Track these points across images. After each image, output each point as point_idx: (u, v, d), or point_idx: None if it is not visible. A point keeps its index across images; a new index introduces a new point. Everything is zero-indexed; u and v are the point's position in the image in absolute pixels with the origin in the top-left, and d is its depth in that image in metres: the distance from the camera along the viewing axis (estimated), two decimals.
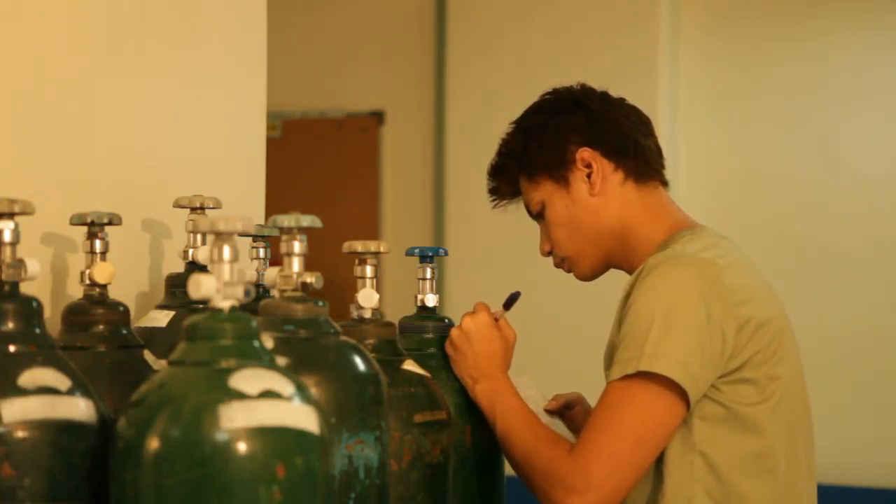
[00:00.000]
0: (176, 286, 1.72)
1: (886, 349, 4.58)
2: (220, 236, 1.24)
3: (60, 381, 1.29)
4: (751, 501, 1.75)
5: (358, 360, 1.48)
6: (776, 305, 1.83)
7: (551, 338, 4.38)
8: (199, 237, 1.75)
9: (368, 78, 5.22)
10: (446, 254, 1.94)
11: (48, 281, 1.64)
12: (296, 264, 1.46)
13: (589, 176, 1.88)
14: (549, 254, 1.95)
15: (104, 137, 1.78)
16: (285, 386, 1.23)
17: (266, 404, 1.20)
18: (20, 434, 1.24)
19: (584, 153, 1.88)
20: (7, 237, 1.33)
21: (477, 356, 1.82)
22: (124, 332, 1.56)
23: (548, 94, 1.96)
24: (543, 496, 1.74)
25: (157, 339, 1.64)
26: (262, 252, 1.89)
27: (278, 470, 1.18)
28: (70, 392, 1.29)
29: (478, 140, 5.26)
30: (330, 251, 1.90)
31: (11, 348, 1.29)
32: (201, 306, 1.40)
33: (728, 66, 4.82)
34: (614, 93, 1.96)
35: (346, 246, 1.67)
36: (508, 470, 1.86)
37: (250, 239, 1.89)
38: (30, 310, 1.33)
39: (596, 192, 1.88)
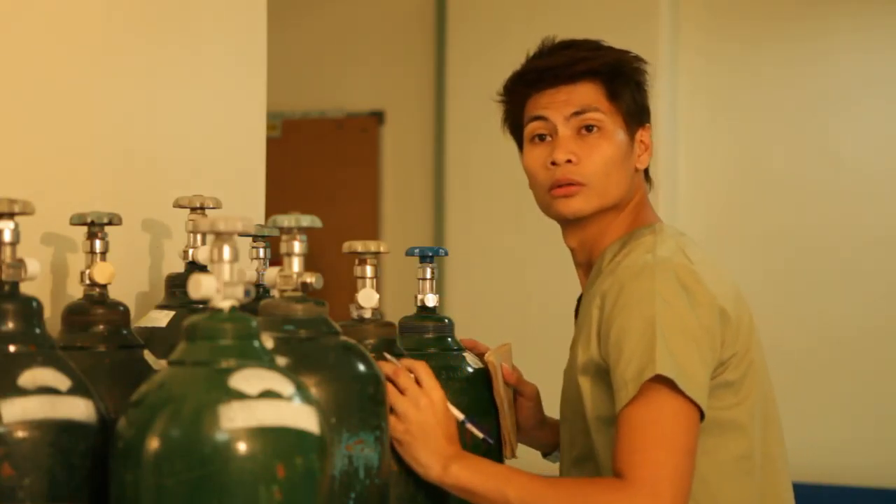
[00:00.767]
0: (176, 286, 1.72)
1: (886, 349, 4.59)
2: (220, 236, 1.25)
3: (60, 381, 1.29)
4: None
5: (358, 360, 1.48)
6: (740, 297, 1.82)
7: (552, 338, 4.37)
8: (199, 237, 1.75)
9: (368, 78, 5.23)
10: (446, 254, 1.93)
11: (48, 281, 1.64)
12: (296, 264, 1.46)
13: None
14: (568, 162, 1.83)
15: (104, 137, 1.78)
16: (285, 386, 1.23)
17: (266, 404, 1.20)
18: (20, 434, 1.24)
19: (649, 132, 1.91)
20: (7, 237, 1.33)
21: (438, 438, 1.67)
22: (124, 332, 1.56)
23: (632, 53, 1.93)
24: None
25: (157, 339, 1.63)
26: (262, 252, 1.89)
27: (278, 470, 1.18)
28: (70, 392, 1.29)
29: (478, 140, 5.27)
30: (330, 251, 1.90)
31: (11, 348, 1.29)
32: (201, 306, 1.40)
33: (728, 65, 4.83)
34: None
35: (346, 246, 1.67)
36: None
37: (250, 239, 1.88)
38: (30, 310, 1.33)
39: (640, 166, 1.90)
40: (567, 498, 1.64)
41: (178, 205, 1.76)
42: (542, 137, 1.87)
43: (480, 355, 1.90)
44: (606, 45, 1.91)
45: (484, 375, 1.87)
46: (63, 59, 1.71)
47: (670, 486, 1.61)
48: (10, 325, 1.30)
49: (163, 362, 1.41)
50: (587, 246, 1.89)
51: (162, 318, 1.69)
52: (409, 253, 1.89)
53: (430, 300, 1.88)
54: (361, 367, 1.47)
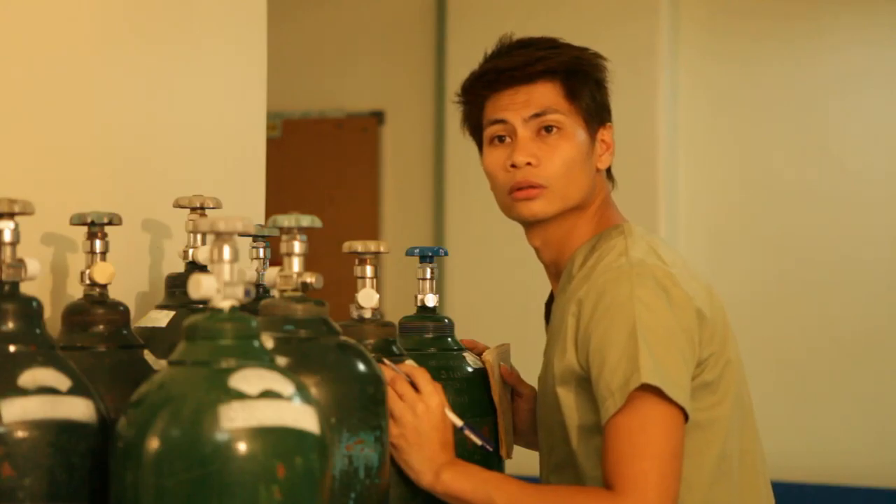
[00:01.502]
0: (176, 286, 1.72)
1: (886, 349, 4.58)
2: (220, 236, 1.25)
3: (60, 381, 1.29)
4: None
5: (358, 360, 1.48)
6: (713, 294, 1.81)
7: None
8: (199, 237, 1.75)
9: (368, 78, 5.22)
10: (446, 254, 1.93)
11: (48, 281, 1.64)
12: (296, 264, 1.46)
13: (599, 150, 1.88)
14: (528, 165, 1.81)
15: (104, 137, 1.78)
16: (285, 386, 1.23)
17: (266, 404, 1.20)
18: (20, 434, 1.24)
19: (610, 131, 1.90)
20: (7, 237, 1.33)
21: (432, 444, 1.68)
22: (124, 332, 1.56)
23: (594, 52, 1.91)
24: None
25: (157, 339, 1.63)
26: (262, 252, 1.89)
27: (278, 470, 1.18)
28: (70, 392, 1.29)
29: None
30: (330, 251, 1.90)
31: (11, 348, 1.29)
32: (201, 306, 1.40)
33: (728, 62, 4.82)
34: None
35: (346, 246, 1.67)
36: (508, 469, 1.86)
37: (250, 239, 1.89)
38: (30, 310, 1.33)
39: (601, 166, 1.88)
40: None
41: (178, 205, 1.76)
42: (501, 139, 1.86)
43: (480, 355, 1.90)
44: (564, 42, 1.90)
45: (483, 375, 1.87)
46: (63, 60, 1.71)
47: (657, 494, 1.61)
48: (10, 325, 1.31)
49: (163, 362, 1.41)
50: (552, 246, 1.87)
51: (162, 318, 1.69)
52: (409, 253, 1.89)
53: (430, 300, 1.88)
54: (361, 367, 1.47)
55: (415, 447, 1.66)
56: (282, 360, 1.37)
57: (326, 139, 5.27)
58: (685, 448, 1.67)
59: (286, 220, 1.45)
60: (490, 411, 1.86)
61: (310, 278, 1.46)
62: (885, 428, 4.55)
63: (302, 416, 1.22)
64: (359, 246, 1.66)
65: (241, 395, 1.19)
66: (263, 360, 1.25)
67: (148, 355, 1.57)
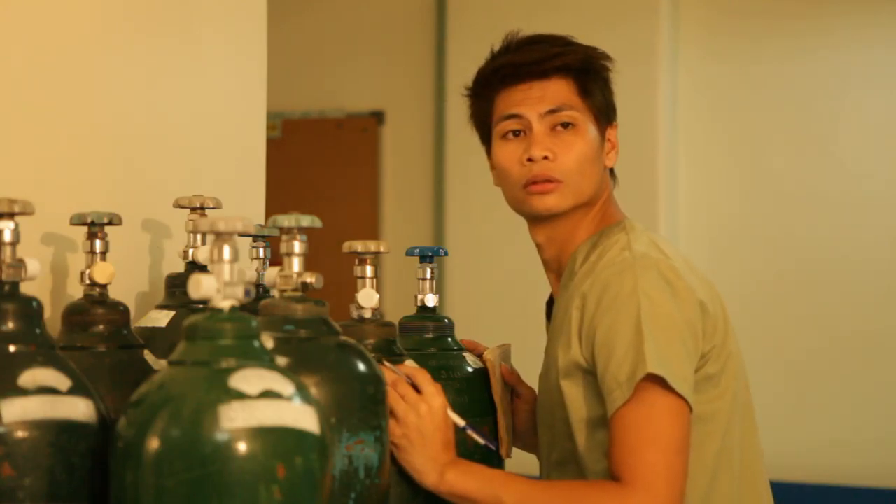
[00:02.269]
0: (176, 286, 1.72)
1: (886, 349, 4.58)
2: (220, 236, 1.25)
3: (60, 381, 1.29)
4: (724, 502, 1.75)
5: (358, 360, 1.48)
6: (713, 288, 1.82)
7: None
8: (199, 237, 1.75)
9: (368, 78, 5.22)
10: (446, 254, 1.93)
11: (48, 281, 1.64)
12: (296, 264, 1.46)
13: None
14: (545, 159, 1.82)
15: (104, 137, 1.78)
16: (285, 386, 1.23)
17: (266, 404, 1.20)
18: (20, 434, 1.24)
19: (616, 130, 1.92)
20: (7, 237, 1.33)
21: (435, 445, 1.67)
22: (124, 332, 1.56)
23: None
24: None
25: (157, 339, 1.63)
26: (262, 252, 1.89)
27: (278, 470, 1.18)
28: (70, 392, 1.29)
29: (478, 140, 5.26)
30: (330, 251, 1.90)
31: (11, 348, 1.29)
32: (201, 306, 1.40)
33: (728, 62, 4.82)
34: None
35: (346, 246, 1.67)
36: (509, 468, 1.86)
37: (250, 239, 1.89)
38: (30, 310, 1.33)
39: (608, 164, 1.90)
40: (563, 501, 1.66)
41: (178, 205, 1.76)
42: (515, 133, 1.87)
43: (480, 355, 1.90)
44: (576, 40, 1.91)
45: (483, 375, 1.87)
46: (63, 60, 1.71)
47: (665, 485, 1.62)
48: (10, 325, 1.31)
49: (163, 362, 1.41)
50: (556, 242, 1.88)
51: (162, 318, 1.69)
52: (409, 253, 1.89)
53: (430, 300, 1.88)
54: (361, 367, 1.47)
55: (418, 447, 1.67)
56: (282, 360, 1.37)
57: (326, 139, 5.27)
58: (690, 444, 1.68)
59: (286, 220, 1.45)
60: (490, 411, 1.86)
61: (310, 278, 1.46)
62: (885, 428, 4.55)
63: (302, 416, 1.22)
64: (359, 246, 1.66)
65: (241, 395, 1.19)
66: (263, 360, 1.25)
67: (148, 355, 1.57)
